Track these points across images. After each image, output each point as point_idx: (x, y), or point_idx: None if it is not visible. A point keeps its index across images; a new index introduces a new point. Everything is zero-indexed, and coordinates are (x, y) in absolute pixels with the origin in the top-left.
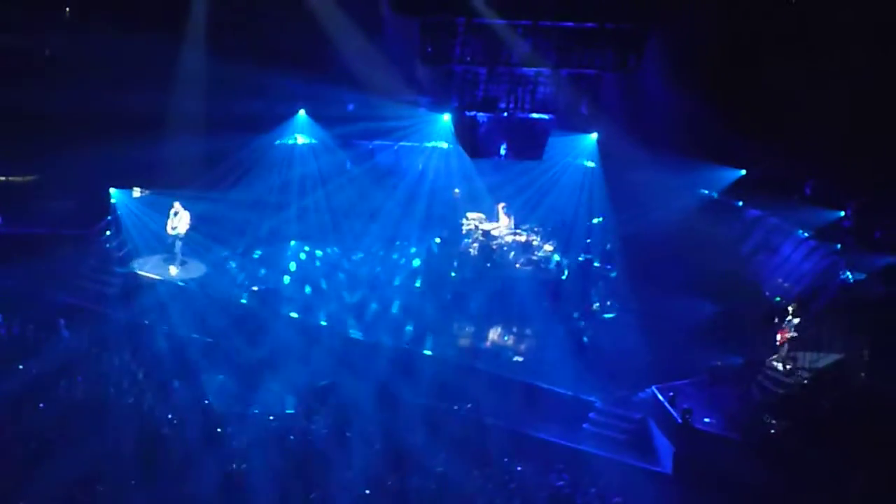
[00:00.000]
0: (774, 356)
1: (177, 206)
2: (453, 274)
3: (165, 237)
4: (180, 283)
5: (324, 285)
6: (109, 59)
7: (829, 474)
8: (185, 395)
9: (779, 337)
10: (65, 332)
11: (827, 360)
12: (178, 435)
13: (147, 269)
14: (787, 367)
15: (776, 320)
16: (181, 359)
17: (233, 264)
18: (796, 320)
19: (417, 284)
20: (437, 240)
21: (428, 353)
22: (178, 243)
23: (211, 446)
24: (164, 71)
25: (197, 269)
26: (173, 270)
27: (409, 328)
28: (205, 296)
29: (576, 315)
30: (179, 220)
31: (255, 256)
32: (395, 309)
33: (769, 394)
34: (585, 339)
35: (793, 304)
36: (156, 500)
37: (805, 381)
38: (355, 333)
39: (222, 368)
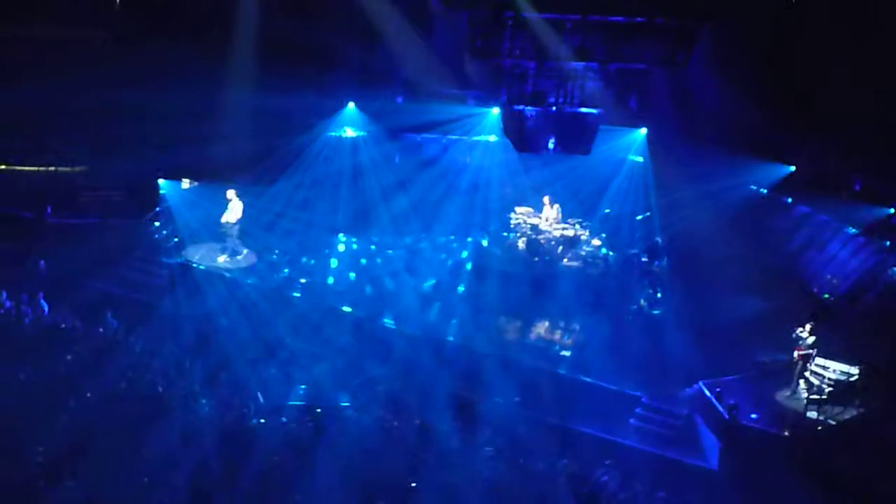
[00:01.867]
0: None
1: (230, 194)
2: (501, 268)
3: (213, 227)
4: (227, 274)
5: (370, 278)
6: (160, 50)
7: (874, 474)
8: (233, 387)
9: (795, 354)
10: (112, 322)
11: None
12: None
13: (199, 257)
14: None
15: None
16: (230, 350)
17: (275, 257)
18: (811, 339)
19: (464, 279)
20: (485, 242)
21: (473, 345)
22: (232, 233)
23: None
24: (214, 63)
25: (247, 260)
26: (224, 259)
27: (455, 321)
28: (254, 288)
29: (623, 310)
30: (232, 210)
31: (304, 249)
32: (441, 301)
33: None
34: (632, 334)
35: (810, 321)
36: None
37: (853, 379)
38: (401, 326)
39: (272, 361)
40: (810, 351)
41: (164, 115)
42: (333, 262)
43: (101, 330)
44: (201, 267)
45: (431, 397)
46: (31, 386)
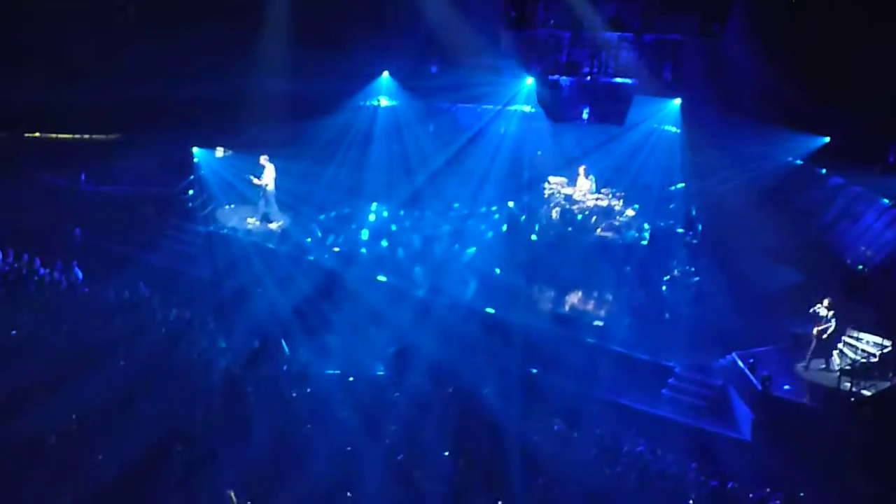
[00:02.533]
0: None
1: (262, 160)
2: (534, 237)
3: (249, 195)
4: (262, 243)
5: (402, 249)
6: (195, 13)
7: None
8: (267, 357)
9: (815, 331)
10: (145, 290)
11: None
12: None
13: (232, 222)
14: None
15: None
16: (265, 320)
17: (316, 226)
18: (830, 312)
19: (497, 249)
20: (511, 203)
21: (509, 315)
22: (266, 197)
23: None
24: (251, 22)
25: (280, 224)
26: (256, 222)
27: (489, 290)
28: (287, 256)
29: (657, 280)
30: (265, 174)
31: (338, 217)
32: (475, 270)
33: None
34: (666, 304)
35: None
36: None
37: (888, 351)
38: (433, 295)
39: (307, 331)
40: (828, 325)
41: (198, 78)
42: (364, 234)
43: (133, 297)
44: (238, 233)
45: (466, 366)
46: (65, 350)
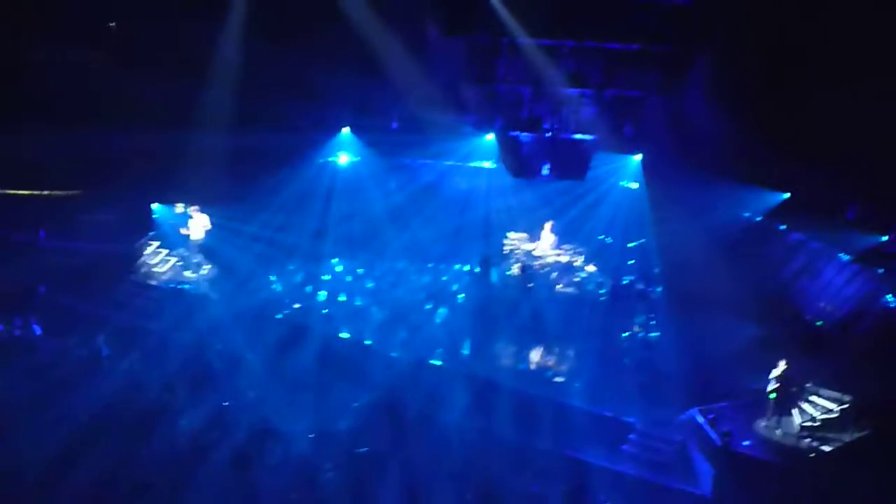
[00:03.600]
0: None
1: (192, 210)
2: (495, 294)
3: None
4: (213, 297)
5: (363, 303)
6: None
7: (871, 500)
8: (220, 409)
9: (769, 389)
10: (103, 345)
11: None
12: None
13: (166, 273)
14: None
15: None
16: (221, 374)
17: (274, 279)
18: (781, 371)
19: (457, 305)
20: (477, 269)
21: (470, 371)
22: (195, 247)
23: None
24: (206, 76)
25: (209, 273)
26: (190, 274)
27: (448, 348)
28: (246, 312)
29: (618, 336)
30: (192, 225)
31: (299, 275)
32: (436, 328)
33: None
34: (627, 360)
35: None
36: None
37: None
38: (396, 352)
39: (261, 384)
40: (777, 386)
41: (155, 145)
42: (322, 295)
43: (93, 355)
44: (185, 286)
45: (416, 423)
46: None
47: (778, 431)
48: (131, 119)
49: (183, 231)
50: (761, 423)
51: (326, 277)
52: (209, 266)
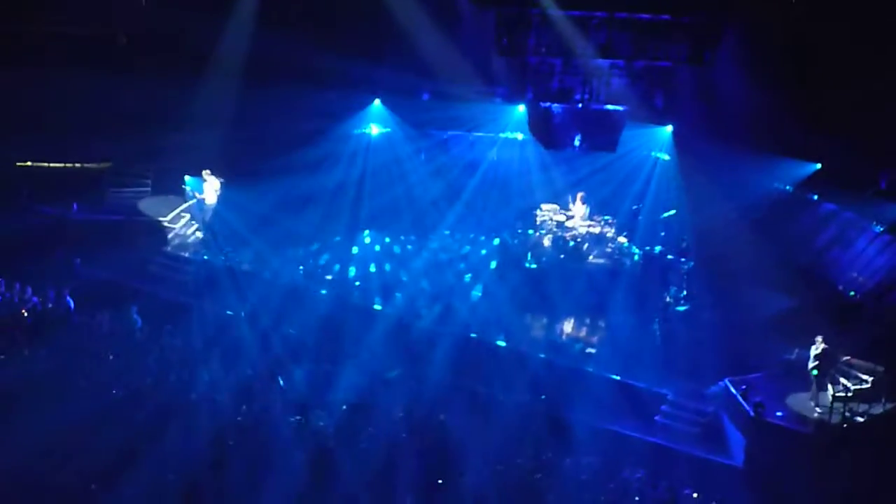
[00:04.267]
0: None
1: (205, 174)
2: (527, 265)
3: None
4: (249, 269)
5: (398, 275)
6: (184, 47)
7: None
8: (262, 385)
9: (810, 364)
10: (137, 318)
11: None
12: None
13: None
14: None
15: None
16: (257, 349)
17: (305, 251)
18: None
19: (490, 275)
20: (497, 241)
21: (501, 343)
22: (203, 211)
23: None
24: (238, 60)
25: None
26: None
27: (481, 318)
28: (278, 285)
29: (649, 307)
30: (206, 189)
31: (330, 246)
32: (468, 299)
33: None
34: (658, 331)
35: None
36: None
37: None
38: (426, 323)
39: (300, 359)
40: (818, 363)
41: (190, 112)
42: (352, 270)
43: (126, 326)
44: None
45: (452, 394)
46: (55, 378)
47: (818, 407)
48: (165, 88)
49: (198, 195)
50: (803, 399)
51: (355, 250)
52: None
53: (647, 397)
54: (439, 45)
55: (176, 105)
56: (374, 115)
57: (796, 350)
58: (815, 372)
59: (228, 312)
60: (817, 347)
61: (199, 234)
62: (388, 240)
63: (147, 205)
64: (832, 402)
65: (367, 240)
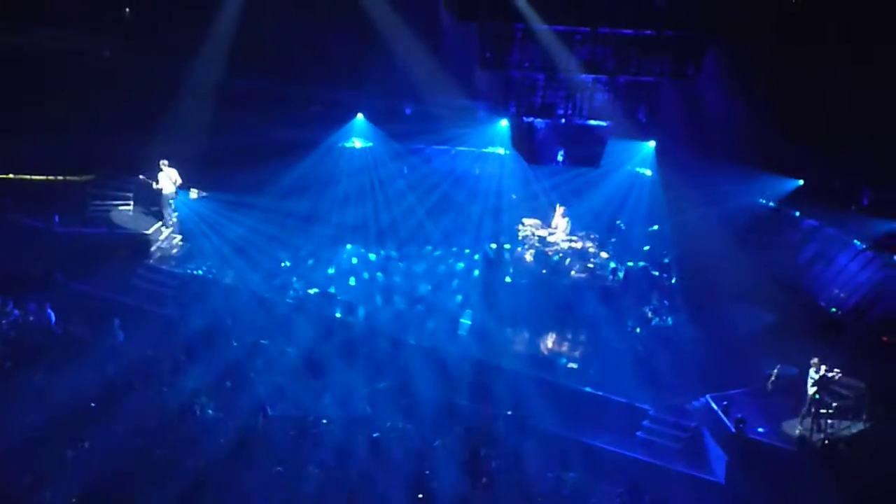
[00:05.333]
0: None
1: (162, 164)
2: (508, 279)
3: (219, 236)
4: (230, 283)
5: (378, 289)
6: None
7: (886, 483)
8: (242, 397)
9: (810, 391)
10: (119, 332)
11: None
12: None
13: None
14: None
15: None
16: (238, 360)
17: (288, 264)
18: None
19: (471, 292)
20: (493, 245)
21: (480, 358)
22: (169, 203)
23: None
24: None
25: (169, 228)
26: (168, 232)
27: (463, 333)
28: (257, 297)
29: (631, 323)
30: (163, 179)
31: (310, 261)
32: (449, 313)
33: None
34: (640, 346)
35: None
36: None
37: (861, 393)
38: (409, 336)
39: (278, 370)
40: (818, 387)
41: (170, 123)
42: (331, 269)
43: (108, 340)
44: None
45: (431, 408)
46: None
47: (800, 425)
48: (143, 103)
49: (154, 185)
50: (798, 423)
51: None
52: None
53: (629, 412)
54: (422, 59)
55: (157, 118)
56: (357, 130)
57: (778, 366)
58: (816, 396)
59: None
60: (817, 371)
61: (166, 228)
62: (372, 256)
63: (125, 218)
64: (814, 419)
65: (350, 258)
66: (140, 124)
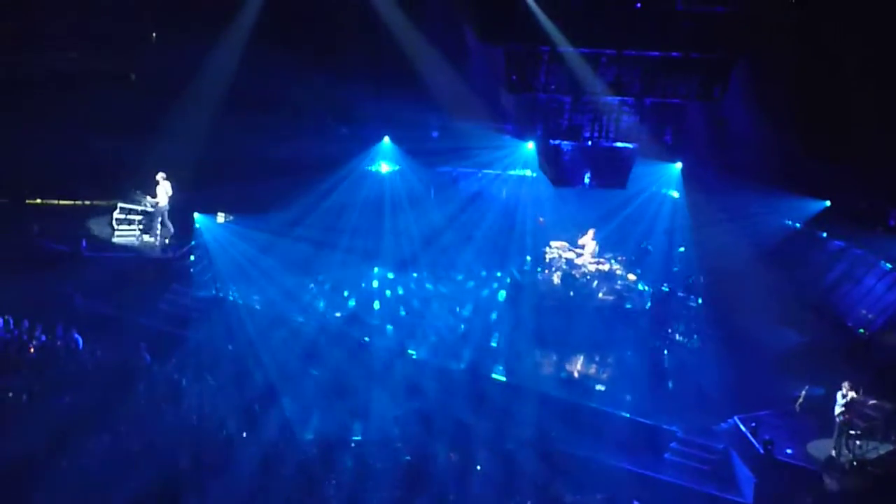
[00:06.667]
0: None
1: (159, 177)
2: (536, 302)
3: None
4: (257, 307)
5: (403, 311)
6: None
7: None
8: (269, 419)
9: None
10: (146, 356)
11: None
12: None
13: (125, 237)
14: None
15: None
16: (263, 383)
17: (313, 288)
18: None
19: (496, 314)
20: (521, 268)
21: (502, 378)
22: (161, 213)
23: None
24: (251, 94)
25: (167, 238)
26: (151, 239)
27: (491, 356)
28: (284, 320)
29: (658, 344)
30: (160, 192)
31: (337, 283)
32: (477, 335)
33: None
34: (667, 368)
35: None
36: None
37: (889, 415)
38: (435, 359)
39: (302, 393)
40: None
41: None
42: (376, 304)
43: (135, 363)
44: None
45: (463, 430)
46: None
47: (821, 437)
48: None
49: (150, 199)
50: (816, 440)
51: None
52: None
53: (657, 434)
54: (448, 81)
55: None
56: (384, 153)
57: (806, 387)
58: (840, 418)
59: (230, 347)
60: (846, 395)
61: (150, 238)
62: (390, 275)
63: (149, 241)
64: (842, 440)
65: (375, 281)
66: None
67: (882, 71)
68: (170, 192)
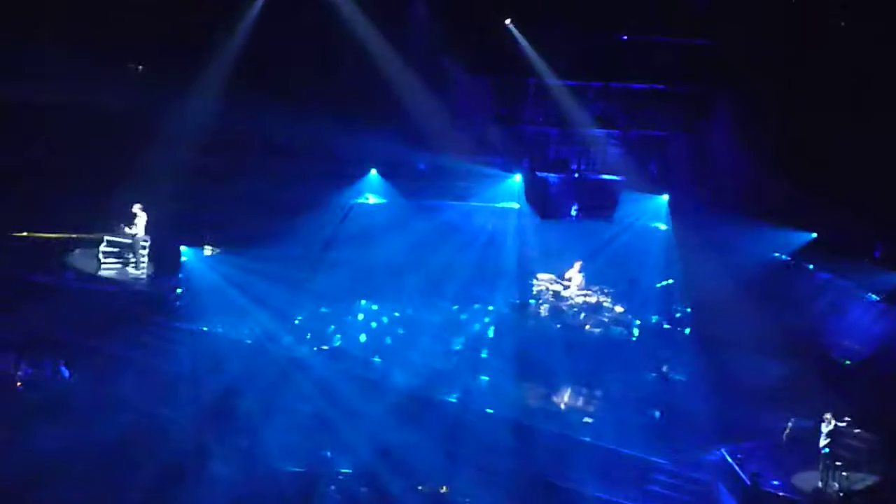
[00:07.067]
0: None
1: (136, 208)
2: (523, 334)
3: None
4: (248, 341)
5: (389, 341)
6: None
7: None
8: (254, 454)
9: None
10: (130, 388)
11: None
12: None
13: (105, 270)
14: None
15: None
16: (247, 416)
17: (297, 322)
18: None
19: (485, 350)
20: (509, 301)
21: (490, 411)
22: (138, 246)
23: None
24: (234, 130)
25: (144, 271)
26: (133, 271)
27: (476, 387)
28: (269, 353)
29: (646, 376)
30: (137, 223)
31: (321, 315)
32: (464, 368)
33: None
34: (654, 399)
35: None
36: None
37: (874, 446)
38: (419, 390)
39: (291, 426)
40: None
41: (185, 178)
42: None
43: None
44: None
45: (451, 463)
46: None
47: (806, 468)
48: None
49: (128, 230)
50: (803, 472)
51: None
52: (145, 263)
53: (642, 466)
54: (435, 113)
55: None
56: (370, 185)
57: (792, 419)
58: (826, 450)
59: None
60: (829, 425)
61: (135, 271)
62: (374, 307)
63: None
64: (828, 472)
65: (361, 315)
66: (145, 179)
67: (867, 104)
68: (145, 223)
